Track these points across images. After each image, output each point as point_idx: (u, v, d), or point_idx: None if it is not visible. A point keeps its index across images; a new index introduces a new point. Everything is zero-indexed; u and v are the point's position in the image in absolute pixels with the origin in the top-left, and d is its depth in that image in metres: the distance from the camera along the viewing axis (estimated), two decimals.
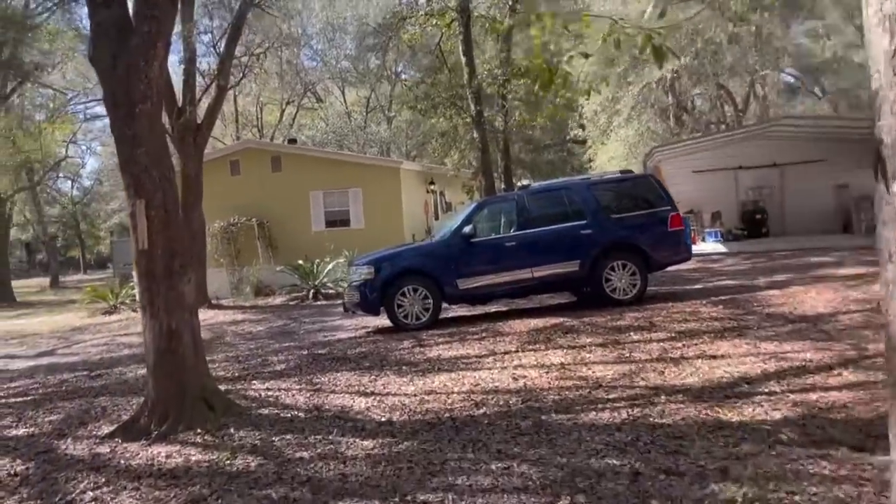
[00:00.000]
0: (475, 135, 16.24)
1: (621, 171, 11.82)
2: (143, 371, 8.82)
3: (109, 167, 45.12)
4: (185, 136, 16.54)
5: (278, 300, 17.76)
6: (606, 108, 26.53)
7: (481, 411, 5.84)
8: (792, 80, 36.77)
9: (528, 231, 10.84)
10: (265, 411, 6.39)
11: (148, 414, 5.99)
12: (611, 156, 28.65)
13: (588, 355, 7.53)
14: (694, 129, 29.01)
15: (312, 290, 17.01)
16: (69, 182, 54.14)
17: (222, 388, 7.52)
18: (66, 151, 32.31)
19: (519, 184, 16.16)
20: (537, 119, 16.31)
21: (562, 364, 7.23)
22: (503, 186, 18.60)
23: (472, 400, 6.21)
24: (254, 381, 7.82)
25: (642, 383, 6.21)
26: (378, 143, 39.43)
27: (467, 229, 10.69)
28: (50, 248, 42.26)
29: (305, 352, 9.55)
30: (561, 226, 10.87)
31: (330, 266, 17.47)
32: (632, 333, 8.36)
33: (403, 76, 44.87)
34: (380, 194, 19.40)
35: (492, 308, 11.95)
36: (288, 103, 41.44)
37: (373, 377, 7.47)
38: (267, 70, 26.60)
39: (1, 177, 30.23)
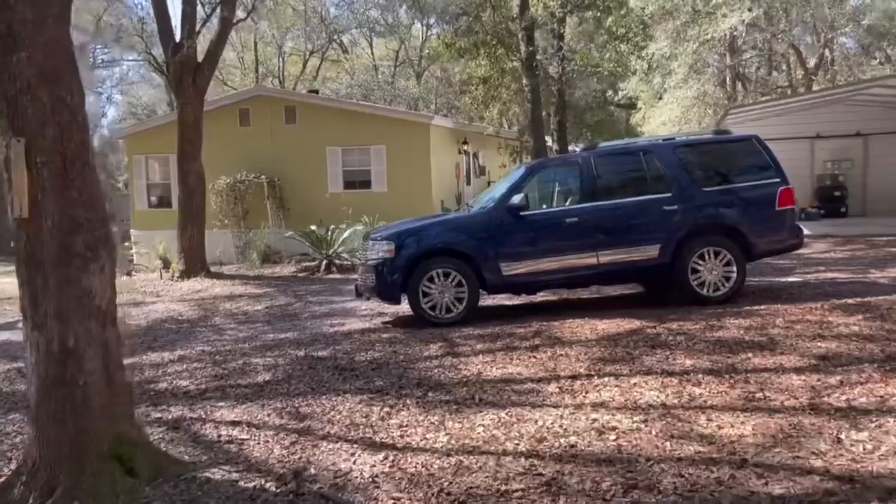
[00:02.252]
0: (524, 83, 13.57)
1: (715, 131, 9.35)
2: None
3: (128, 116, 43.15)
4: (182, 75, 14.23)
5: (287, 270, 15.61)
6: (661, 66, 23.73)
7: None
8: (854, 44, 33.41)
9: (594, 204, 8.44)
10: (217, 474, 4.16)
11: (27, 479, 3.79)
12: (663, 120, 25.91)
13: (698, 391, 5.19)
14: (758, 94, 26.09)
15: (325, 261, 14.80)
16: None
17: (173, 413, 5.34)
18: None
19: (574, 146, 13.60)
20: (601, 63, 13.60)
21: (663, 406, 4.91)
22: (556, 148, 15.95)
23: (538, 474, 3.93)
24: (220, 405, 5.60)
25: (817, 463, 3.86)
26: (406, 100, 36.93)
27: (516, 199, 8.31)
28: None
29: (303, 352, 7.33)
30: (637, 199, 8.48)
31: (346, 234, 15.21)
32: (749, 354, 5.99)
33: (434, 30, 42.09)
34: (406, 153, 17.03)
35: (537, 297, 9.65)
36: (311, 53, 38.88)
37: (386, 409, 5.21)
38: (281, 4, 23.94)
39: None
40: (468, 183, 20.21)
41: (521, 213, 8.36)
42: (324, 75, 40.74)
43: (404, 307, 8.83)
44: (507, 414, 4.95)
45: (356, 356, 6.94)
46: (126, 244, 18.87)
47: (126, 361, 7.16)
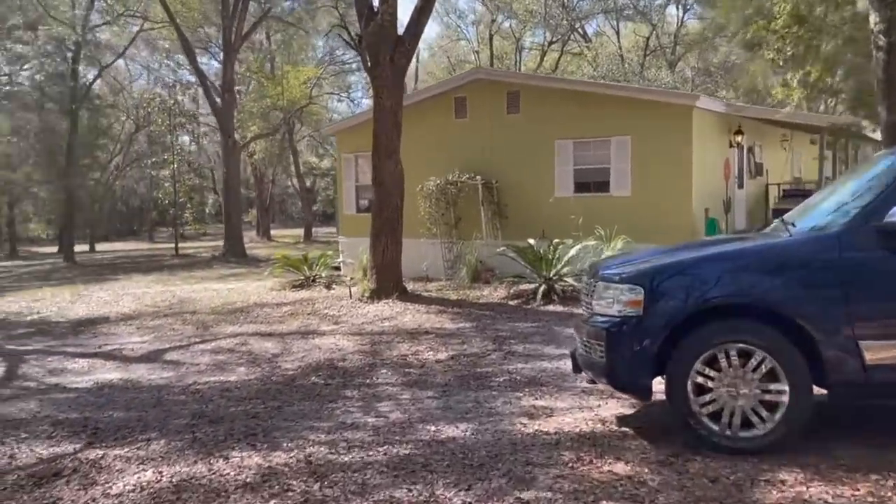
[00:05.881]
0: (874, 21, 8.52)
1: None
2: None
3: None
4: (378, 51, 11.61)
5: (497, 293, 12.36)
6: None
7: None
8: None
9: None
10: None
11: None
12: None
13: None
14: None
15: (543, 287, 11.30)
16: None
17: None
18: (311, 96, 30.22)
19: None
20: None
21: None
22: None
23: None
24: None
25: None
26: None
27: None
28: (304, 200, 41.69)
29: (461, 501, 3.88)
30: None
31: (573, 251, 11.59)
32: None
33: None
34: (658, 146, 12.94)
35: None
36: (551, 44, 35.63)
37: None
38: None
39: (245, 122, 28.83)
40: (740, 186, 15.47)
41: None
42: (563, 69, 37.31)
43: (658, 389, 4.99)
44: None
45: None
46: (329, 253, 17.04)
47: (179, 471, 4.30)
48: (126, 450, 5.08)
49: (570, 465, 4.33)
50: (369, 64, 11.89)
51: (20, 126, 30.71)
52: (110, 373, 8.22)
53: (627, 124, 13.29)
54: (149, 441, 5.28)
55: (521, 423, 5.29)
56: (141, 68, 39.07)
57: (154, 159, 34.63)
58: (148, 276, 21.13)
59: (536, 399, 6.01)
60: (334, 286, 14.87)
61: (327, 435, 5.25)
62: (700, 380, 4.43)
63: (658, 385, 4.67)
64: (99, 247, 37.73)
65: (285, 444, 5.04)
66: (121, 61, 35.62)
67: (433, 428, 5.31)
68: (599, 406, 5.68)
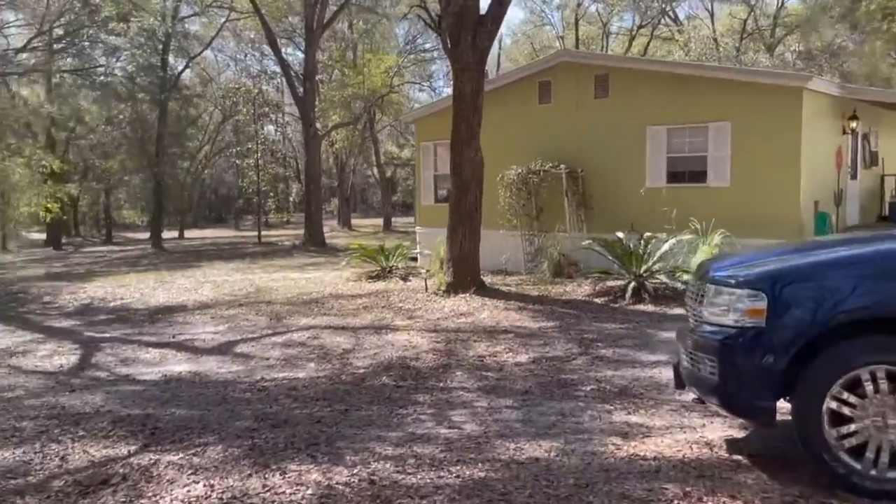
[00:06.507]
0: None
1: None
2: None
3: None
4: (459, 32, 11.01)
5: (581, 290, 11.61)
6: None
7: None
8: None
9: None
10: None
11: None
12: None
13: None
14: None
15: (633, 284, 10.48)
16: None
17: None
18: (392, 85, 29.99)
19: None
20: None
21: None
22: None
23: None
24: None
25: None
26: None
27: None
28: (384, 190, 41.69)
29: None
30: None
31: (665, 246, 10.73)
32: None
33: None
34: (762, 132, 11.84)
35: None
36: (639, 28, 34.13)
37: None
38: None
39: (326, 112, 28.84)
40: (853, 176, 14.10)
41: None
42: (652, 54, 35.72)
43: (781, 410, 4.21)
44: None
45: None
46: (406, 244, 16.65)
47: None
48: (181, 455, 4.73)
49: (676, 502, 3.66)
50: (449, 46, 11.31)
51: (113, 116, 31.79)
52: (180, 364, 8.02)
53: (727, 109, 12.23)
54: (206, 446, 4.92)
55: (614, 444, 4.64)
56: (228, 59, 39.88)
57: (239, 148, 35.25)
58: (229, 263, 21.34)
59: (629, 414, 5.34)
60: (411, 278, 14.46)
61: (395, 448, 4.75)
62: (837, 406, 3.67)
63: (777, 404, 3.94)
64: (188, 234, 38.88)
65: (348, 458, 4.57)
66: (209, 52, 36.39)
67: (513, 445, 4.72)
68: (704, 426, 4.97)
